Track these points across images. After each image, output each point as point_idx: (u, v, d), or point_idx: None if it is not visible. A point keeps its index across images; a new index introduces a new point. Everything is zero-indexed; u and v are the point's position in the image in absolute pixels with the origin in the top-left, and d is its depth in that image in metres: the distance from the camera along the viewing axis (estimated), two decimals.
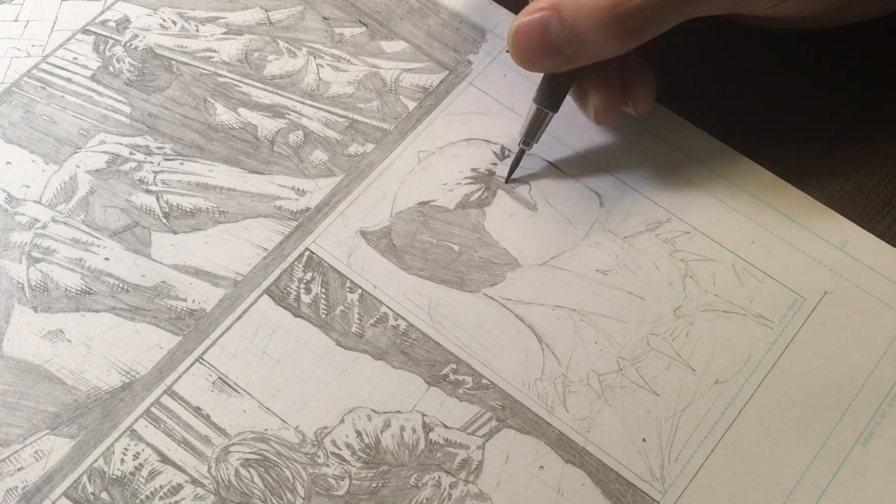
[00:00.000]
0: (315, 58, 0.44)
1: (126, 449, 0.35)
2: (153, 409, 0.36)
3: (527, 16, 0.35)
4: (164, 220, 0.40)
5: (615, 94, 0.39)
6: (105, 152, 0.41)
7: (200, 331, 0.38)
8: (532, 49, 0.36)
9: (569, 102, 0.40)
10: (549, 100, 0.39)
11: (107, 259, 0.39)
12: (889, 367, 0.37)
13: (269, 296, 0.38)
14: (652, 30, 0.35)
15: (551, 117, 0.39)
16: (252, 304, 0.38)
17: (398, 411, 0.36)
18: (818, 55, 0.43)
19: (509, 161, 0.41)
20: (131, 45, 0.44)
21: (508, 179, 0.40)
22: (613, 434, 0.36)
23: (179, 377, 0.37)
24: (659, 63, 0.40)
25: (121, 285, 0.38)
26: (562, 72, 0.37)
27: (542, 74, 0.38)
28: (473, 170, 0.41)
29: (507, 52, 0.37)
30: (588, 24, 0.34)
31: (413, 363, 0.37)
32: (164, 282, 0.39)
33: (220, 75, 0.43)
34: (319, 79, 0.43)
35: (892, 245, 0.39)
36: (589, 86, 0.39)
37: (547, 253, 0.39)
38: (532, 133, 0.40)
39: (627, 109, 0.40)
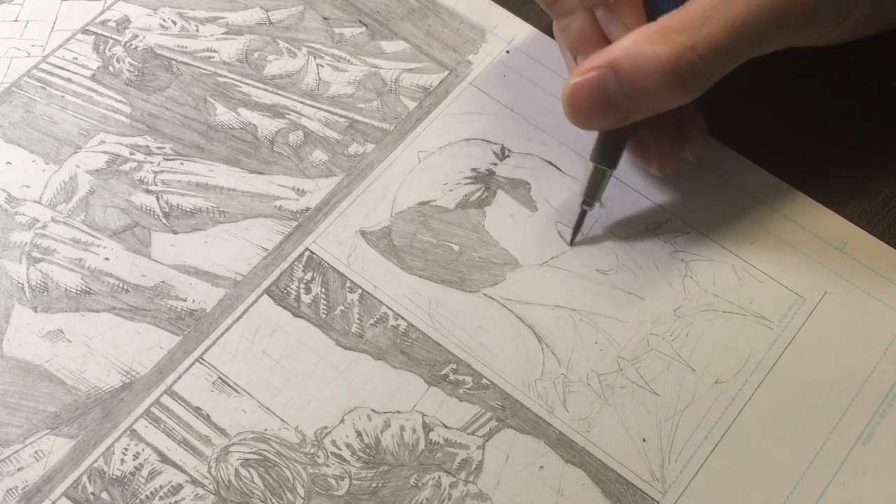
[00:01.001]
0: (315, 58, 0.44)
1: (126, 449, 0.35)
2: (153, 409, 0.36)
3: (581, 75, 0.34)
4: (164, 220, 0.40)
5: (675, 143, 0.38)
6: (105, 152, 0.41)
7: (200, 331, 0.38)
8: (591, 108, 0.35)
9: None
10: (607, 157, 0.38)
11: (107, 259, 0.39)
12: (889, 367, 0.37)
13: (269, 296, 0.38)
14: (714, 78, 0.34)
15: (611, 174, 0.38)
16: (252, 304, 0.38)
17: (398, 411, 0.36)
18: (818, 56, 0.43)
19: (510, 161, 0.41)
20: (131, 45, 0.44)
21: (573, 242, 0.39)
22: (613, 434, 0.36)
23: (179, 377, 0.37)
24: None
25: (121, 285, 0.38)
26: (619, 127, 0.37)
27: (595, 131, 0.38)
28: (473, 170, 0.41)
29: (566, 113, 0.35)
30: (649, 80, 0.33)
31: (413, 363, 0.37)
32: (164, 282, 0.39)
33: (220, 75, 0.43)
34: (319, 79, 0.43)
35: (892, 245, 0.39)
36: (648, 138, 0.38)
37: (547, 253, 0.39)
38: (593, 193, 0.38)
39: (683, 155, 0.39)
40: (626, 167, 0.41)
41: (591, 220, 0.40)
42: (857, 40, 0.39)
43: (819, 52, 0.43)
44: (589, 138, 0.42)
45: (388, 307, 0.38)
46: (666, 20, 0.34)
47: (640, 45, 0.33)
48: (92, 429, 0.36)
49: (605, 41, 0.37)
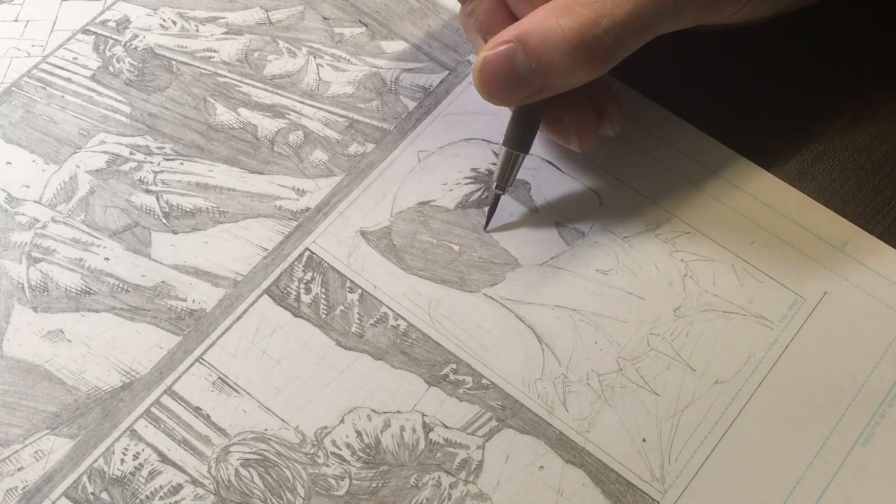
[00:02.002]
0: (315, 58, 0.44)
1: (126, 449, 0.35)
2: (153, 409, 0.36)
3: (491, 49, 0.34)
4: (164, 220, 0.40)
5: (592, 118, 0.38)
6: (105, 152, 0.41)
7: (200, 331, 0.38)
8: (499, 83, 0.34)
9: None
10: (519, 141, 0.38)
11: (107, 259, 0.39)
12: (889, 368, 0.37)
13: (269, 296, 0.38)
14: (621, 53, 0.34)
15: (523, 159, 0.38)
16: (252, 304, 0.38)
17: (398, 411, 0.36)
18: (818, 56, 0.43)
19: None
20: (131, 45, 0.44)
21: (487, 227, 0.39)
22: (613, 434, 0.36)
23: (179, 377, 0.37)
24: (658, 64, 0.40)
25: (121, 285, 0.38)
26: (530, 107, 0.36)
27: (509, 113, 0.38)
28: (473, 170, 0.41)
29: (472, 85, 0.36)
30: (555, 54, 0.33)
31: (413, 363, 0.37)
32: (164, 282, 0.39)
33: (220, 75, 0.43)
34: (319, 79, 0.43)
35: (892, 245, 0.39)
36: (564, 115, 0.38)
37: (547, 253, 0.39)
38: (505, 177, 0.38)
39: (602, 131, 0.39)
40: (626, 167, 0.41)
41: (591, 220, 0.40)
42: (780, 16, 0.39)
43: (819, 53, 0.43)
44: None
45: (388, 307, 0.38)
46: None
47: (546, 18, 0.33)
48: (92, 429, 0.36)
49: (513, 20, 0.36)
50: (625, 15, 0.33)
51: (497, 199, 0.39)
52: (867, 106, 0.42)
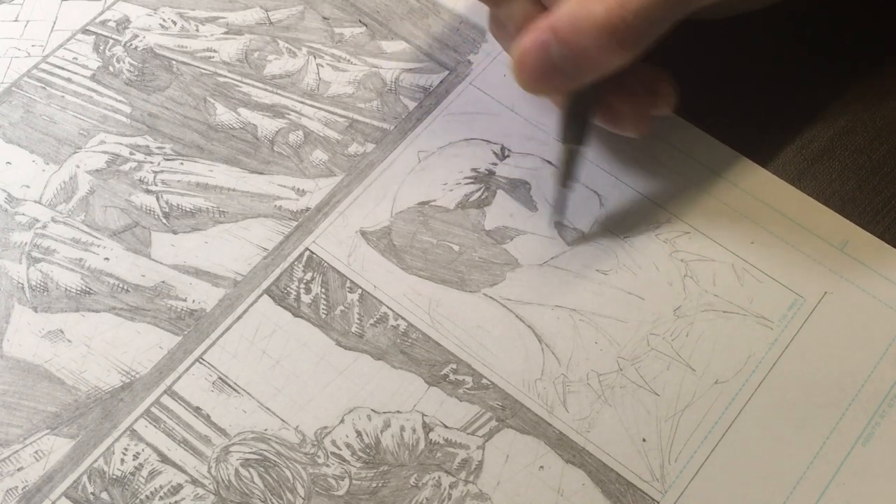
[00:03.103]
0: (315, 58, 0.44)
1: (126, 449, 0.35)
2: (153, 409, 0.36)
3: (526, 40, 0.35)
4: (164, 220, 0.40)
5: (644, 101, 0.38)
6: (105, 152, 0.41)
7: (200, 331, 0.38)
8: (536, 73, 0.35)
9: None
10: (574, 135, 0.38)
11: (107, 259, 0.39)
12: (889, 367, 0.37)
13: (269, 296, 0.38)
14: (650, 34, 0.35)
15: (583, 152, 0.38)
16: (252, 304, 0.38)
17: (398, 411, 0.36)
18: (818, 55, 0.43)
19: (510, 161, 0.41)
20: (131, 45, 0.44)
21: (561, 217, 0.39)
22: (613, 434, 0.36)
23: (179, 377, 0.37)
24: (659, 64, 0.39)
25: (121, 285, 0.38)
26: (580, 99, 0.37)
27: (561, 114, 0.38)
28: (473, 170, 0.41)
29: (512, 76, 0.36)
30: (586, 40, 0.34)
31: (413, 363, 0.37)
32: (164, 282, 0.39)
33: (220, 75, 0.43)
34: (319, 79, 0.43)
35: (892, 245, 0.39)
36: (615, 102, 0.38)
37: (547, 253, 0.39)
38: (569, 173, 0.38)
39: (656, 111, 0.39)
40: (626, 167, 0.41)
41: (591, 220, 0.40)
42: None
43: (819, 53, 0.43)
44: (590, 139, 0.41)
45: (388, 307, 0.38)
46: None
47: (575, 6, 0.34)
48: (92, 429, 0.36)
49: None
50: None
51: (565, 196, 0.39)
52: (867, 106, 0.42)
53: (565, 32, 0.34)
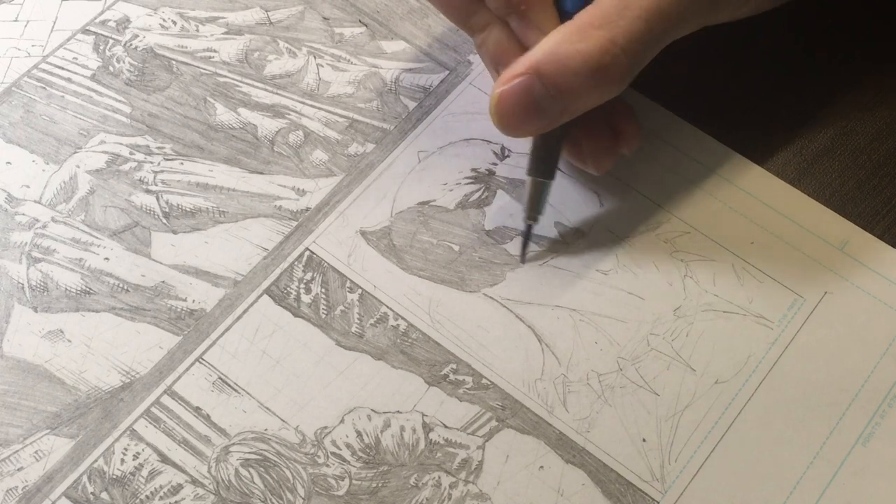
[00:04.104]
0: (315, 58, 0.44)
1: (126, 449, 0.35)
2: (153, 409, 0.36)
3: (506, 83, 0.34)
4: (164, 220, 0.40)
5: (608, 140, 0.38)
6: (105, 152, 0.41)
7: (200, 331, 0.38)
8: (519, 115, 0.34)
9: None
10: (544, 169, 0.37)
11: (107, 259, 0.39)
12: (889, 367, 0.37)
13: (269, 296, 0.38)
14: (638, 68, 0.34)
15: (550, 186, 0.38)
16: (252, 304, 0.38)
17: (398, 411, 0.36)
18: (818, 55, 0.43)
19: (510, 161, 0.41)
20: (131, 45, 0.44)
21: (524, 259, 0.39)
22: (613, 434, 0.36)
23: (179, 377, 0.37)
24: (659, 64, 0.39)
25: (121, 285, 0.38)
26: (551, 133, 0.36)
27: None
28: (473, 170, 0.41)
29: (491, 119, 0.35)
30: (574, 79, 0.33)
31: (413, 363, 0.37)
32: (164, 282, 0.39)
33: (220, 75, 0.43)
34: (319, 79, 0.43)
35: (892, 245, 0.39)
36: (581, 139, 0.38)
37: (547, 253, 0.39)
38: (536, 207, 0.38)
39: (620, 150, 0.39)
40: (627, 167, 0.41)
41: (591, 220, 0.40)
42: (776, 7, 0.39)
43: (819, 52, 0.43)
44: None
45: (388, 307, 0.38)
46: (582, 17, 0.34)
47: (560, 45, 0.33)
48: (92, 429, 0.36)
49: (524, 49, 0.36)
50: (638, 31, 0.33)
51: (530, 229, 0.39)
52: (867, 106, 0.42)
53: (551, 73, 0.33)
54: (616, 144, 0.39)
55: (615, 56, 0.33)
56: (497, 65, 0.38)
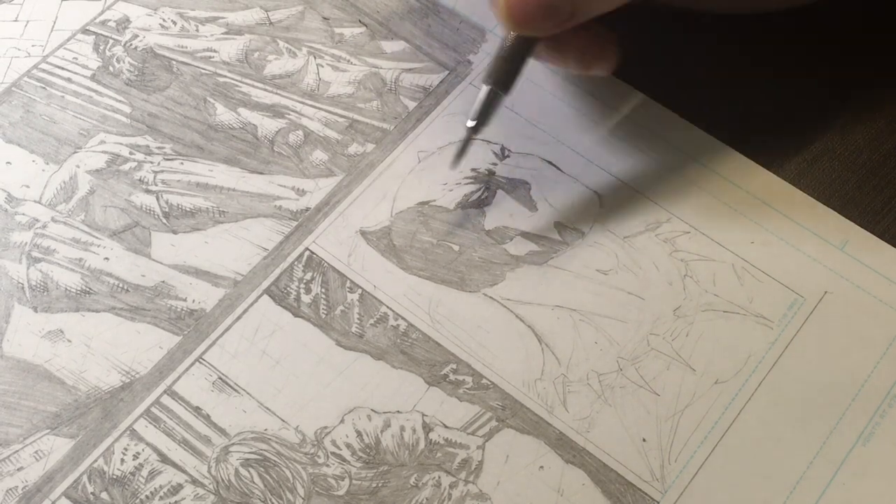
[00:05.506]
0: (315, 58, 0.44)
1: (126, 449, 0.35)
2: (153, 409, 0.36)
3: None
4: (164, 220, 0.40)
5: (596, 46, 0.37)
6: (105, 152, 0.41)
7: (200, 331, 0.38)
8: (530, 10, 0.34)
9: (566, 116, 0.40)
10: (504, 81, 0.36)
11: (107, 259, 0.39)
12: (889, 367, 0.37)
13: (269, 296, 0.38)
14: None
15: (503, 98, 0.37)
16: (252, 304, 0.38)
17: (398, 411, 0.36)
18: (819, 55, 0.43)
19: (510, 161, 0.41)
20: (131, 45, 0.44)
21: (455, 165, 0.38)
22: (613, 434, 0.36)
23: (179, 377, 0.37)
24: (659, 63, 0.40)
25: (121, 285, 0.38)
26: (520, 46, 0.35)
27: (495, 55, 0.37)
28: (473, 170, 0.41)
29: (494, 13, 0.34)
30: None
31: (413, 363, 0.37)
32: (164, 282, 0.39)
33: (220, 75, 0.43)
34: (319, 79, 0.43)
35: (892, 245, 0.39)
36: (565, 39, 0.37)
37: (547, 253, 0.39)
38: (483, 117, 0.37)
39: (597, 70, 0.38)
40: (626, 167, 0.41)
41: (591, 220, 0.40)
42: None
43: (820, 52, 0.43)
44: (589, 138, 0.42)
45: (388, 307, 0.38)
46: None
47: None
48: (92, 429, 0.36)
49: None
50: None
51: (469, 139, 0.38)
52: (867, 106, 0.42)
53: None
54: (598, 56, 0.38)
55: None
56: None
